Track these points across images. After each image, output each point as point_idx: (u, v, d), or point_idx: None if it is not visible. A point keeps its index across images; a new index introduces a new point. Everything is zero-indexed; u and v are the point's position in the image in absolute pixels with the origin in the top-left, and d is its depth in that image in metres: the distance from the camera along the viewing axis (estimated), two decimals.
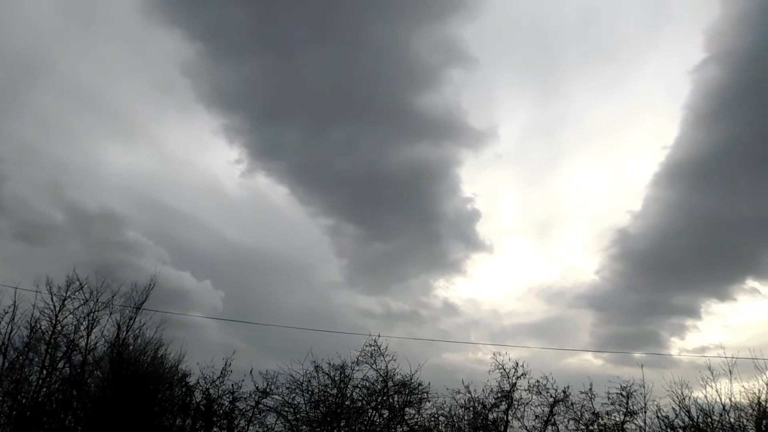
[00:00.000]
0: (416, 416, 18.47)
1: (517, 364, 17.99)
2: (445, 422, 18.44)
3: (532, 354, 25.97)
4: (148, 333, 19.74)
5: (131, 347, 19.68)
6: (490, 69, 67.01)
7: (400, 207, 55.90)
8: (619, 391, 17.27)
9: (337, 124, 56.82)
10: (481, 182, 73.09)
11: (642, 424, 17.30)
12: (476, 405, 18.07)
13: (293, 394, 18.12)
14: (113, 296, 19.38)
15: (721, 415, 16.78)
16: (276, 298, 46.94)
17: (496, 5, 65.70)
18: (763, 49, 41.76)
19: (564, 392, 17.63)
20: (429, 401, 18.41)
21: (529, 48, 70.00)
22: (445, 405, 18.24)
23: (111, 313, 19.31)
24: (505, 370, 18.02)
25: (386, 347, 18.41)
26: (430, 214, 55.49)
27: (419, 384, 18.26)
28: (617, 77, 67.02)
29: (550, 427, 17.93)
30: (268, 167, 58.70)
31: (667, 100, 69.16)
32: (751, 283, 41.34)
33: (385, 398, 18.26)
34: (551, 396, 17.67)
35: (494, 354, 18.41)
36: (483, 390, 18.09)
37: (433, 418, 18.39)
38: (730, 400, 16.65)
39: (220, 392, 18.42)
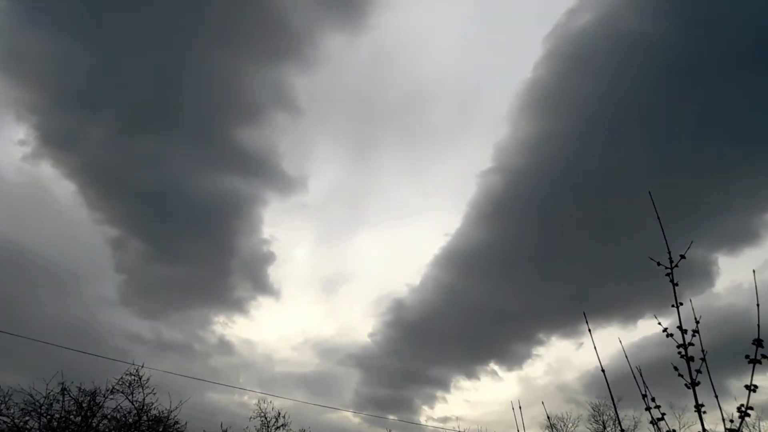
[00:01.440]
0: None
1: (279, 413, 18.81)
2: None
3: (296, 405, 26.90)
4: None
5: None
6: (313, 123, 70.62)
7: (196, 234, 52.40)
8: None
9: (149, 132, 52.42)
10: (282, 227, 73.92)
11: None
12: None
13: (27, 417, 16.43)
14: None
15: None
16: (31, 304, 39.02)
17: (333, 67, 69.86)
18: (535, 170, 51.18)
19: None
20: None
21: (352, 115, 75.48)
22: None
23: None
24: (266, 418, 18.68)
25: (148, 378, 17.89)
26: (224, 248, 52.92)
27: (176, 422, 17.96)
28: (421, 164, 75.71)
29: None
30: (57, 157, 50.28)
31: (456, 194, 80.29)
32: (493, 366, 47.84)
33: None
34: None
35: (259, 401, 19.02)
36: None
37: None
38: None
39: None
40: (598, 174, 49.22)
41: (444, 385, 47.64)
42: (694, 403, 4.35)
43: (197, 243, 53.63)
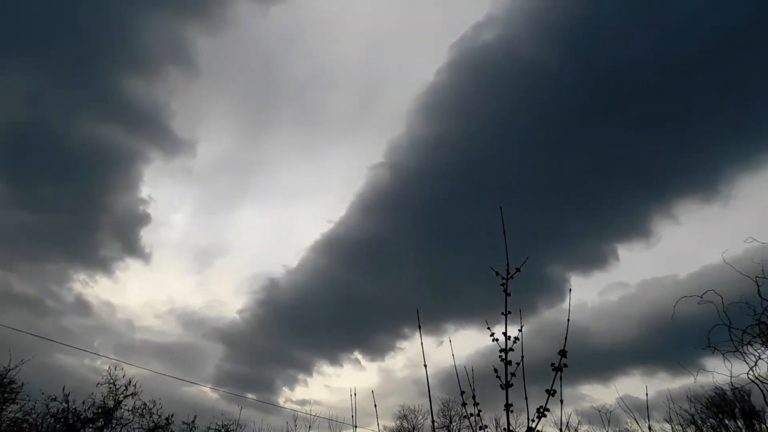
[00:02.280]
0: None
1: (130, 382, 17.86)
2: (29, 430, 16.82)
3: (152, 375, 25.77)
4: None
5: None
6: (210, 86, 68.18)
7: (65, 182, 48.35)
8: (217, 428, 18.62)
9: (29, 66, 47.50)
10: (162, 189, 70.82)
11: None
12: (70, 417, 17.04)
13: None
14: None
15: None
16: None
17: (240, 33, 67.15)
18: (423, 171, 53.68)
19: (167, 419, 18.09)
20: (17, 404, 16.60)
21: (253, 85, 73.67)
22: (34, 411, 16.71)
23: None
24: (115, 386, 17.66)
25: None
26: (95, 202, 49.64)
27: (12, 382, 16.38)
28: (314, 148, 76.09)
29: None
30: None
31: (345, 183, 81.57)
32: (357, 354, 49.19)
33: None
34: (153, 421, 17.91)
35: (110, 367, 17.91)
36: (84, 402, 17.27)
37: (15, 423, 16.58)
38: None
39: None
40: (478, 182, 52.55)
41: (307, 368, 48.18)
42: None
43: (64, 192, 49.45)
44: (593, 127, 52.06)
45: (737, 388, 7.97)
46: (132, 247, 52.18)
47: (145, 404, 17.61)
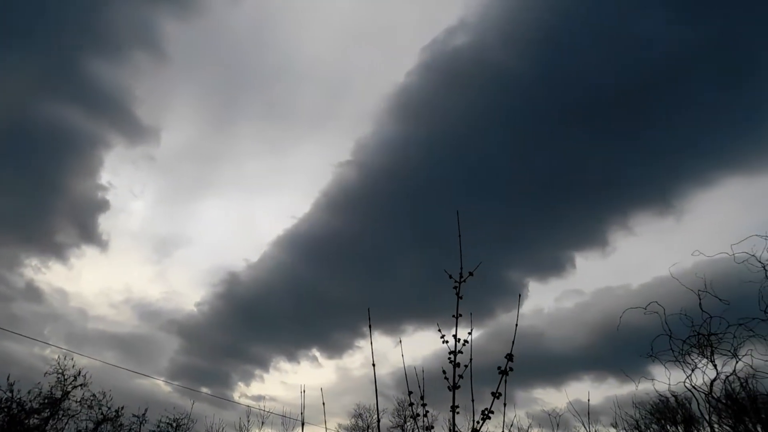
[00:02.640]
0: None
1: (80, 372, 17.34)
2: None
3: (104, 366, 25.11)
4: None
5: None
6: (178, 73, 66.43)
7: (20, 163, 46.15)
8: (169, 422, 18.29)
9: None
10: (123, 176, 68.51)
11: None
12: (14, 407, 16.43)
13: None
14: None
15: None
16: None
17: (210, 21, 64.24)
18: (389, 171, 54.20)
19: (116, 412, 17.67)
20: None
21: (221, 75, 71.95)
22: None
23: None
24: (64, 376, 17.12)
25: None
26: (51, 185, 47.41)
27: None
28: (280, 142, 75.24)
29: None
30: None
31: (310, 179, 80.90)
32: (315, 351, 49.04)
33: None
34: (102, 413, 17.45)
35: (59, 356, 17.36)
36: (30, 392, 16.67)
37: None
38: None
39: None
40: (443, 185, 53.24)
41: (263, 364, 47.70)
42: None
43: (19, 174, 47.22)
44: (557, 136, 53.47)
45: (675, 396, 8.33)
46: (89, 234, 50.60)
47: (94, 396, 17.15)
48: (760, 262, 7.28)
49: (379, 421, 5.09)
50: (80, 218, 48.90)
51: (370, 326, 4.97)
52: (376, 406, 5.06)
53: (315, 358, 47.27)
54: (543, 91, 51.79)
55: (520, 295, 5.19)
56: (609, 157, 52.01)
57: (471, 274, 5.27)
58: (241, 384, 42.59)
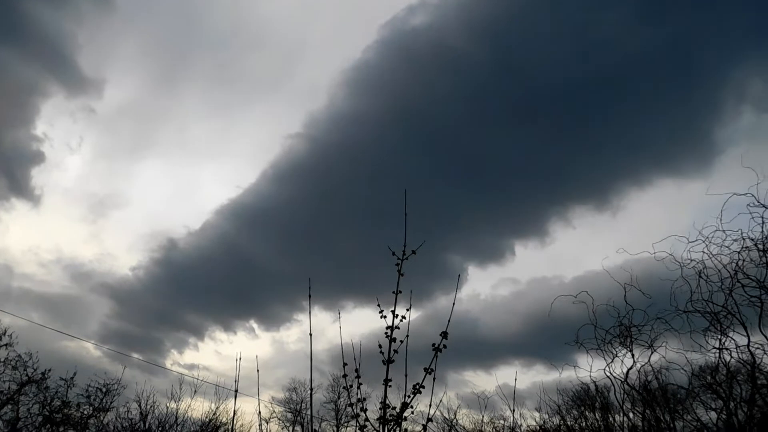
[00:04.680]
0: None
1: (5, 332, 16.52)
2: None
3: (29, 326, 24.02)
4: None
5: None
6: (125, 23, 63.22)
7: None
8: (99, 386, 17.77)
9: None
10: (60, 128, 65.21)
11: (105, 421, 18.15)
12: None
13: None
14: None
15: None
16: None
17: None
18: (341, 146, 54.33)
19: (43, 374, 16.98)
20: None
21: (170, 30, 68.10)
22: None
23: None
24: None
25: None
26: None
27: None
28: (229, 107, 73.30)
29: (10, 406, 16.82)
30: None
31: (257, 148, 79.72)
32: (252, 323, 49.51)
33: None
34: (27, 375, 16.74)
35: None
36: None
37: None
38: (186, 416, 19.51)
39: None
40: (393, 164, 53.75)
41: (199, 333, 47.04)
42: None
43: None
44: (508, 124, 54.62)
45: (594, 382, 8.87)
46: (19, 187, 47.63)
47: (20, 356, 16.40)
48: (677, 261, 7.83)
49: (312, 389, 5.18)
50: (11, 169, 46.01)
51: (309, 296, 5.04)
52: (310, 371, 5.15)
53: (252, 330, 46.95)
54: (497, 80, 52.75)
55: (459, 276, 5.37)
56: (555, 149, 53.64)
57: (414, 252, 5.40)
58: (174, 351, 41.82)
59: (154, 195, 68.00)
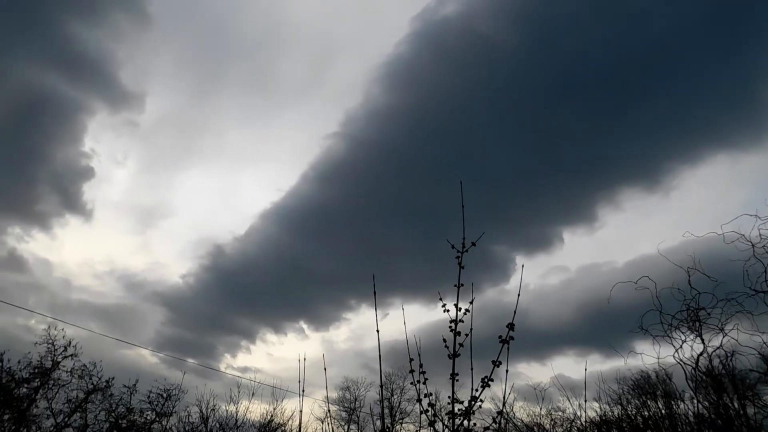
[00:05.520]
0: None
1: (70, 343, 17.30)
2: None
3: (90, 336, 25.05)
4: None
5: None
6: (161, 37, 65.27)
7: (1, 130, 46.08)
8: (160, 392, 18.40)
9: None
10: (106, 143, 68.15)
11: (168, 426, 18.77)
12: (4, 376, 16.42)
13: None
14: None
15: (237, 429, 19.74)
16: None
17: None
18: (378, 142, 54.09)
19: (107, 382, 17.72)
20: None
21: (205, 40, 70.59)
22: None
23: None
24: (54, 346, 17.09)
25: None
26: (33, 152, 47.23)
27: None
28: (266, 112, 74.36)
29: (78, 414, 17.59)
30: None
31: (296, 151, 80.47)
32: (302, 324, 50.22)
33: None
34: (92, 383, 17.50)
35: (49, 327, 17.29)
36: (20, 362, 16.64)
37: None
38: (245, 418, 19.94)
39: None
40: (433, 156, 53.25)
41: (250, 336, 48.15)
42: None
43: (1, 142, 45.78)
44: (547, 110, 53.45)
45: (663, 369, 8.57)
46: (73, 203, 49.91)
47: (85, 366, 17.15)
48: (749, 241, 7.46)
49: (382, 385, 5.19)
50: (63, 186, 48.21)
51: (374, 293, 5.05)
52: (380, 368, 5.16)
53: (302, 330, 47.66)
54: (532, 65, 51.70)
55: (523, 266, 5.27)
56: (599, 132, 52.20)
57: (473, 244, 5.33)
58: (227, 355, 42.88)
59: (199, 203, 69.97)
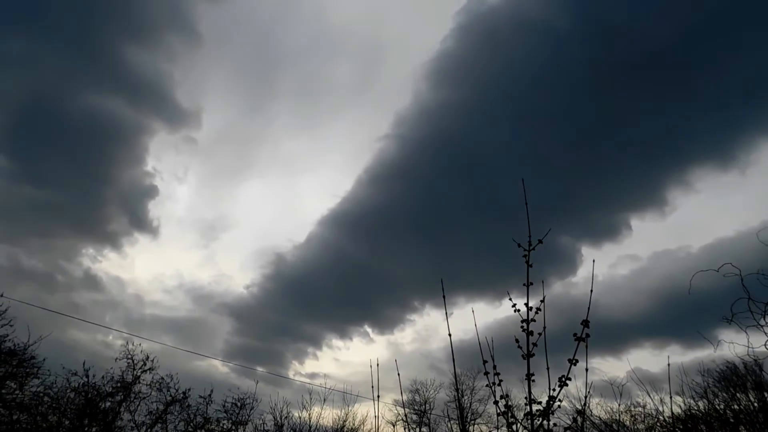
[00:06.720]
0: (17, 392, 16.80)
1: (148, 357, 18.19)
2: (50, 404, 17.24)
3: (164, 349, 26.18)
4: None
5: None
6: (212, 54, 66.85)
7: (69, 156, 48.44)
8: (234, 401, 19.02)
9: (19, 31, 47.00)
10: (167, 161, 71.21)
11: None
12: (90, 391, 17.45)
13: None
14: None
15: None
16: None
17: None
18: (431, 142, 53.30)
19: (184, 393, 18.48)
20: (38, 378, 17.00)
21: (255, 53, 71.94)
22: (55, 385, 17.11)
23: None
24: (133, 361, 18.02)
25: (7, 308, 16.38)
26: (101, 175, 49.75)
27: (32, 357, 16.75)
28: (318, 119, 74.92)
29: (159, 425, 18.44)
30: None
31: (350, 156, 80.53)
32: (366, 328, 49.73)
33: None
34: (170, 395, 18.30)
35: (127, 342, 18.24)
36: (103, 377, 17.66)
37: (36, 397, 17.00)
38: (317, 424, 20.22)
39: None
40: (490, 153, 52.04)
41: (316, 342, 48.70)
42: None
43: (69, 166, 49.35)
44: (605, 91, 51.00)
45: (754, 359, 7.97)
46: (140, 222, 52.54)
47: (162, 378, 18.01)
48: None
49: (457, 389, 5.09)
50: (130, 206, 50.93)
51: (444, 296, 4.97)
52: (453, 370, 5.05)
53: (367, 334, 47.91)
54: (586, 45, 49.48)
55: (594, 261, 5.04)
56: (664, 110, 49.17)
57: (540, 242, 5.15)
58: (295, 362, 43.71)
59: (258, 213, 72.08)
